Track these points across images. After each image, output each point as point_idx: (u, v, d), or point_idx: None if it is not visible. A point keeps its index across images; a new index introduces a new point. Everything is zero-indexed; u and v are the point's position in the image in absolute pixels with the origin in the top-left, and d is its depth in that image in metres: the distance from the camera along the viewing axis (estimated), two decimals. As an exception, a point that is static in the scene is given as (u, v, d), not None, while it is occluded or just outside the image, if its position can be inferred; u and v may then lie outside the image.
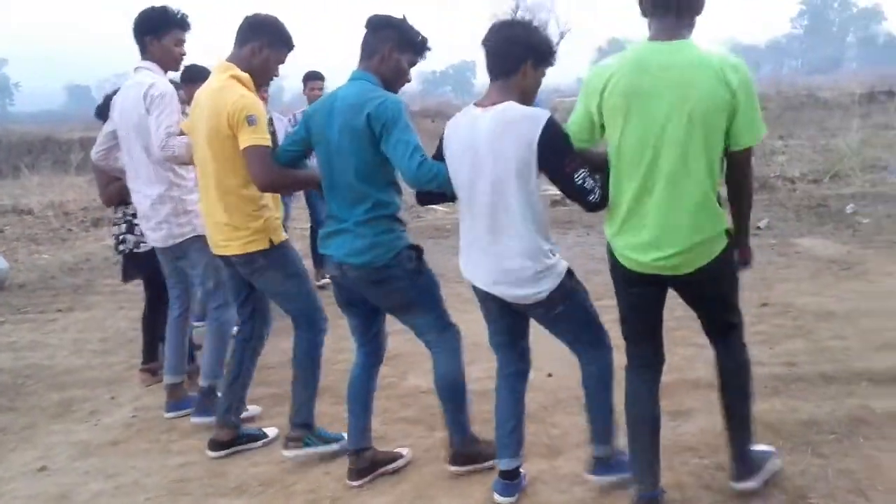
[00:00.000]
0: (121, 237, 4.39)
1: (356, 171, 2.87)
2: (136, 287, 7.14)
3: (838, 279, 5.94)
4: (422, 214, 10.07)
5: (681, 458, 3.18)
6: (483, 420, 3.59)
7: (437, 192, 2.87)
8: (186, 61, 4.05)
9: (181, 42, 3.83)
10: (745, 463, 2.86)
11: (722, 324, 2.80)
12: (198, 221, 3.77)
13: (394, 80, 3.00)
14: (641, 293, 2.69)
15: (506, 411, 2.98)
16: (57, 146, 22.46)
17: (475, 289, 2.88)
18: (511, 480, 2.94)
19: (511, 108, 2.61)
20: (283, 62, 3.40)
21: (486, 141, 2.62)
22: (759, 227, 7.92)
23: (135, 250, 4.35)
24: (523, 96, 2.69)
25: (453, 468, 3.18)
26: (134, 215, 4.15)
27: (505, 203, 2.64)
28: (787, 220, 8.42)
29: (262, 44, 3.28)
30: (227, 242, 3.30)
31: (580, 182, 2.59)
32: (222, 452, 3.53)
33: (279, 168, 3.13)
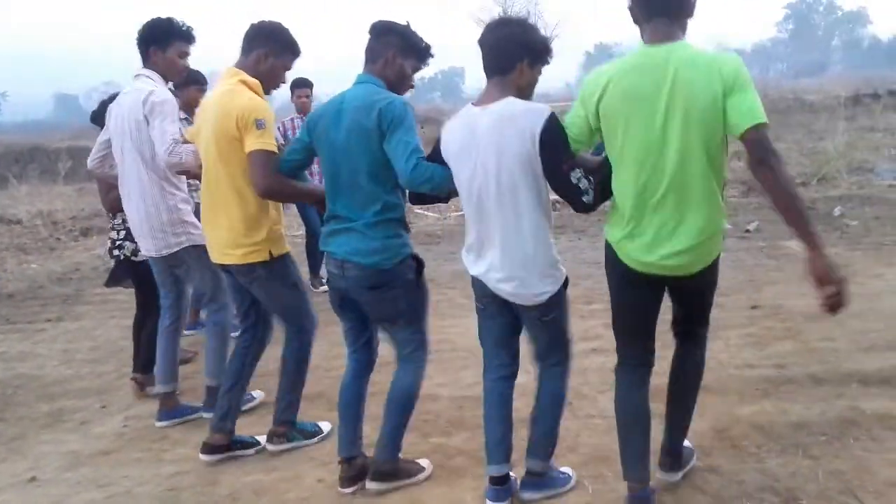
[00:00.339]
0: (118, 242, 4.38)
1: (367, 172, 2.88)
2: (127, 296, 7.12)
3: (827, 281, 5.97)
4: (412, 221, 10.07)
5: (673, 461, 3.19)
6: (474, 426, 3.60)
7: (431, 194, 2.90)
8: None
9: (185, 55, 3.84)
10: (678, 456, 2.98)
11: (698, 323, 2.85)
12: (194, 231, 3.79)
13: (397, 84, 3.03)
14: (641, 294, 2.70)
15: (495, 417, 2.97)
16: (45, 155, 22.34)
17: (475, 286, 2.89)
18: (502, 486, 2.94)
19: (511, 103, 2.64)
20: (289, 69, 3.42)
21: (488, 138, 2.64)
22: (748, 230, 7.98)
23: (132, 258, 4.33)
24: (520, 94, 2.70)
25: (373, 485, 3.12)
26: None
27: (512, 200, 2.65)
28: (775, 222, 8.44)
29: (268, 51, 3.29)
30: (228, 251, 3.30)
31: (575, 181, 2.60)
32: (215, 457, 3.53)
33: (280, 176, 3.14)
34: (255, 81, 3.26)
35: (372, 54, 3.01)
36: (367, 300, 3.03)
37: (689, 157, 2.41)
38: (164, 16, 3.78)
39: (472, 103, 2.79)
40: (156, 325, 4.17)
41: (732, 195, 9.69)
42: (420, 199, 3.04)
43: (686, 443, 3.08)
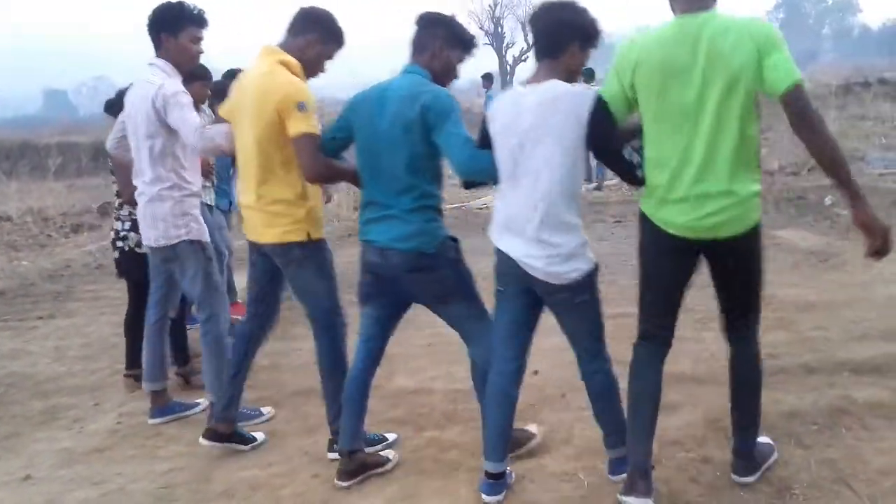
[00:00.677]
0: (122, 234, 4.33)
1: (406, 163, 2.90)
2: (118, 292, 7.11)
3: (818, 270, 6.01)
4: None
5: (666, 451, 3.20)
6: (468, 418, 3.61)
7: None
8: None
9: (198, 39, 3.70)
10: (748, 457, 2.94)
11: (743, 310, 2.85)
12: (195, 225, 3.70)
13: (443, 75, 3.05)
14: (673, 262, 2.75)
15: (497, 413, 2.96)
16: (34, 151, 22.16)
17: (499, 265, 2.89)
18: (497, 480, 2.95)
19: (557, 84, 2.68)
20: (332, 59, 3.39)
21: (532, 117, 2.68)
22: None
23: (136, 249, 4.28)
24: (568, 76, 2.75)
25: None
26: None
27: (549, 178, 2.68)
28: (766, 212, 8.39)
29: (318, 37, 3.27)
30: (264, 230, 3.26)
31: (628, 157, 2.71)
32: (218, 444, 3.51)
33: (326, 159, 3.13)
34: (296, 63, 3.20)
35: (419, 45, 3.04)
36: (415, 283, 3.02)
37: (725, 121, 2.51)
38: (173, 0, 3.62)
39: (520, 83, 2.85)
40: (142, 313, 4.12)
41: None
42: (470, 183, 3.10)
43: (763, 439, 3.06)
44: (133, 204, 4.00)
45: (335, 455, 3.33)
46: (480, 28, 47.92)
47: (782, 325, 4.74)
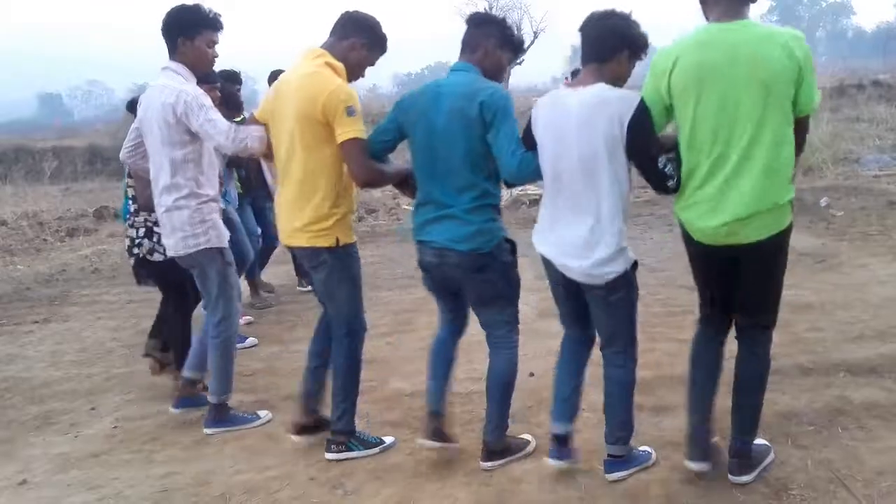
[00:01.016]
0: (136, 241, 4.28)
1: (464, 159, 2.92)
2: (114, 297, 7.12)
3: (814, 271, 6.02)
4: (402, 218, 10.05)
5: (663, 452, 3.21)
6: (465, 421, 3.61)
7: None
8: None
9: (213, 43, 3.64)
10: (744, 457, 2.95)
11: (755, 311, 2.89)
12: (214, 232, 3.65)
13: (494, 74, 3.08)
14: (710, 264, 2.84)
15: (565, 376, 3.07)
16: (29, 155, 22.14)
17: (546, 268, 2.97)
18: (564, 446, 3.03)
19: (603, 88, 2.72)
20: (373, 65, 3.39)
21: (576, 119, 2.72)
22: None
23: (148, 257, 4.24)
24: (613, 83, 2.78)
25: (487, 464, 3.18)
26: (156, 223, 3.93)
27: (593, 180, 2.73)
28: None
29: (363, 42, 3.26)
30: (295, 233, 3.26)
31: (662, 167, 2.72)
32: (307, 438, 3.53)
33: (376, 164, 3.14)
34: (340, 66, 3.19)
35: (471, 44, 3.07)
36: (469, 283, 3.06)
37: (764, 128, 2.54)
38: (189, 2, 3.57)
39: (564, 85, 2.88)
40: (182, 317, 4.18)
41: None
42: (511, 182, 3.12)
43: (759, 440, 3.07)
44: (149, 210, 3.97)
45: (333, 456, 3.35)
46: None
47: (778, 325, 4.68)
